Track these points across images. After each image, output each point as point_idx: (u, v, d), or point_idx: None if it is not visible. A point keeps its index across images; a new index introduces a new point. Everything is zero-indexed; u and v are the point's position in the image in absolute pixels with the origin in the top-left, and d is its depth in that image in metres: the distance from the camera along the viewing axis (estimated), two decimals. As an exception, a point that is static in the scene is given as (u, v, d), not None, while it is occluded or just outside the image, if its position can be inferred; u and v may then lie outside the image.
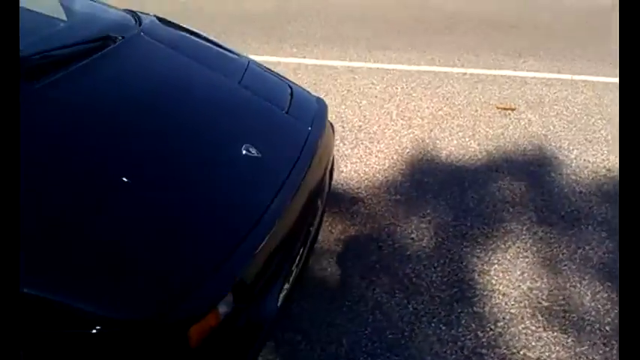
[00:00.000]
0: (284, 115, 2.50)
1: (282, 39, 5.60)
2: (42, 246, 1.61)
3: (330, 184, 2.70)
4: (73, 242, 1.63)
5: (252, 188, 2.08)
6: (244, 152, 2.15)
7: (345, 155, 3.51)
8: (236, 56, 2.87)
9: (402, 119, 3.97)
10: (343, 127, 3.84)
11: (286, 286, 2.12)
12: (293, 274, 2.19)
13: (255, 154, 2.17)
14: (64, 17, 2.75)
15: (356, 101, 4.24)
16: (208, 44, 2.89)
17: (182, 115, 2.25)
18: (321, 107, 2.70)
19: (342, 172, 3.33)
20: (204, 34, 2.98)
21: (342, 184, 3.20)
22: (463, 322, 2.31)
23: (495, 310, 2.37)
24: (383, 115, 4.03)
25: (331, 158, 2.67)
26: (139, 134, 2.06)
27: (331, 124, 2.83)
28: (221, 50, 2.87)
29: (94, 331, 1.50)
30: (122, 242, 1.68)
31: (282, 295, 2.07)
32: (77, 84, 2.15)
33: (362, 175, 3.30)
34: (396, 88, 4.47)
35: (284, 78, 2.88)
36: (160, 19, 2.93)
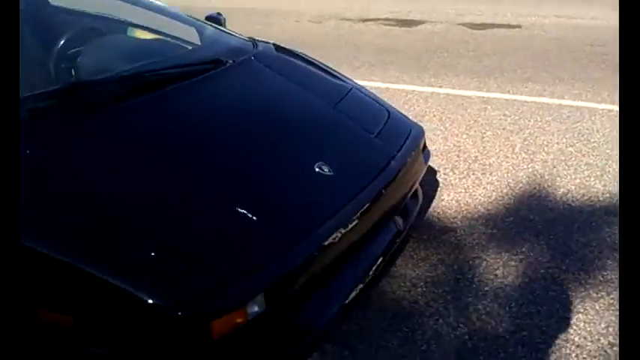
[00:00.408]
0: (371, 138, 2.57)
1: (425, 68, 5.61)
2: (104, 234, 1.85)
3: (417, 210, 2.68)
4: (133, 232, 1.85)
5: (313, 203, 2.17)
6: (317, 169, 2.25)
7: (451, 184, 3.43)
8: (341, 82, 3.00)
9: (524, 153, 3.77)
10: (458, 157, 3.75)
11: (345, 301, 2.14)
12: (354, 292, 2.20)
13: (327, 172, 2.27)
14: (198, 42, 3.13)
15: (480, 132, 4.11)
16: (315, 70, 3.05)
17: (266, 132, 2.43)
18: (415, 134, 2.72)
19: (443, 200, 3.26)
20: (317, 62, 3.14)
21: (438, 213, 3.14)
22: (522, 367, 2.14)
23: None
24: (505, 148, 3.86)
25: (416, 184, 2.65)
26: (223, 144, 2.28)
27: (428, 151, 2.82)
28: (326, 76, 3.03)
29: (131, 311, 1.68)
30: (175, 237, 1.86)
31: (335, 309, 2.10)
32: (178, 100, 2.43)
33: (463, 205, 3.20)
34: (529, 121, 4.25)
35: (385, 104, 2.96)
36: (277, 47, 3.16)
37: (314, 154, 2.32)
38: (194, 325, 1.69)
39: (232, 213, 1.98)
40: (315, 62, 3.15)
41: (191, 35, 3.09)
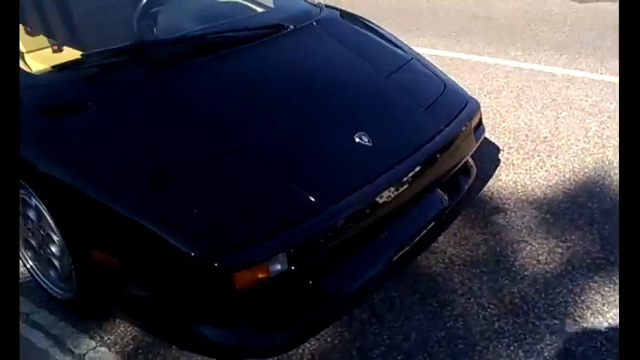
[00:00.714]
0: (420, 111, 2.59)
1: (514, 41, 5.41)
2: (154, 184, 2.06)
3: (468, 186, 2.70)
4: (179, 185, 2.05)
5: (348, 171, 2.26)
6: (357, 139, 2.33)
7: (513, 164, 3.37)
8: (401, 52, 3.00)
9: (598, 137, 3.62)
10: (526, 136, 3.66)
11: (376, 271, 2.24)
12: (387, 263, 2.29)
13: (366, 143, 2.34)
14: (272, 5, 3.26)
15: (556, 111, 3.97)
16: (377, 39, 3.06)
17: (312, 98, 2.53)
18: (470, 109, 2.71)
19: (500, 179, 3.22)
20: (382, 30, 3.16)
21: (492, 192, 3.11)
22: (546, 354, 2.15)
23: (589, 352, 2.15)
24: (578, 130, 3.71)
25: (464, 160, 2.66)
26: (270, 107, 2.41)
27: (483, 127, 2.80)
28: (387, 46, 3.03)
29: (167, 258, 1.89)
30: (215, 193, 2.04)
31: (366, 278, 2.21)
32: (234, 63, 2.59)
33: (520, 186, 3.15)
34: (610, 104, 4.04)
35: (442, 76, 2.94)
36: (343, 13, 3.20)
37: (356, 124, 2.39)
38: (218, 275, 1.87)
39: (268, 174, 2.13)
40: (380, 31, 3.16)
41: None
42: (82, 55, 2.45)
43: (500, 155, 3.43)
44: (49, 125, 2.24)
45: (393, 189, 2.25)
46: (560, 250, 2.66)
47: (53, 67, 2.40)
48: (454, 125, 2.56)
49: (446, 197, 2.54)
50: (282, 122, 2.36)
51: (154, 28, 3.06)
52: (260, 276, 1.92)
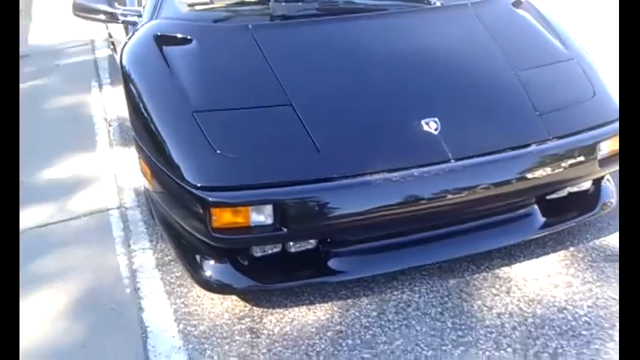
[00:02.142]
0: (531, 114, 2.32)
1: None
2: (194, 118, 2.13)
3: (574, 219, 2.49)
4: (213, 122, 2.13)
5: (388, 152, 2.12)
6: (423, 123, 2.18)
7: None
8: (563, 50, 2.63)
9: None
10: None
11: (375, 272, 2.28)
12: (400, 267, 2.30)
13: (431, 130, 2.18)
14: None
15: None
16: (540, 32, 2.71)
17: (409, 74, 2.40)
18: (607, 130, 2.34)
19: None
20: (558, 26, 2.79)
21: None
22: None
23: None
24: None
25: (568, 185, 2.40)
26: (360, 72, 2.38)
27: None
28: (549, 40, 2.67)
29: (177, 182, 2.03)
30: (241, 136, 2.11)
31: (363, 273, 2.25)
32: (347, 26, 2.60)
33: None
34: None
35: (600, 87, 2.53)
36: (521, 2, 2.87)
37: (434, 109, 2.24)
38: (201, 206, 1.95)
39: (300, 129, 2.11)
40: (553, 25, 2.76)
41: None
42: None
43: None
44: (159, 51, 2.37)
45: (437, 186, 2.08)
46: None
47: (189, 5, 2.63)
48: (568, 140, 2.27)
49: (540, 220, 2.39)
50: (361, 88, 2.30)
51: None
52: (240, 220, 1.95)
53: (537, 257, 2.48)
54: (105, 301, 2.31)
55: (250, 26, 2.42)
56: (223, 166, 2.00)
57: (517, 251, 2.51)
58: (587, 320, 2.16)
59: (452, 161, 2.11)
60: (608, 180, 2.62)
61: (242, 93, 2.23)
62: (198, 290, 2.30)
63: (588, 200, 2.53)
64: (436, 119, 2.19)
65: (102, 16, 2.82)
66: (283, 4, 2.58)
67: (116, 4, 2.83)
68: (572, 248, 2.54)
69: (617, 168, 2.49)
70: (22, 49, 5.33)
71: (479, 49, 2.53)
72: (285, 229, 1.97)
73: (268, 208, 1.95)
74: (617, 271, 2.39)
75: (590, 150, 2.29)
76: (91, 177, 3.20)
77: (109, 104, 4.17)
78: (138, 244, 2.64)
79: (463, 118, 2.25)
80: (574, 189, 2.48)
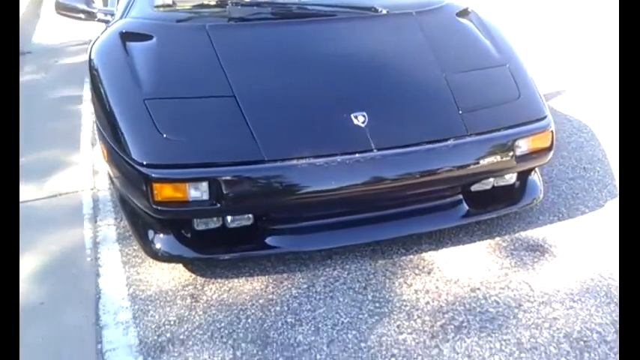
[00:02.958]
0: (454, 112, 2.53)
1: None
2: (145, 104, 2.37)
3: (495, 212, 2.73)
4: (162, 108, 2.38)
5: (317, 140, 2.37)
6: (352, 116, 2.42)
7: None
8: (497, 56, 2.83)
9: None
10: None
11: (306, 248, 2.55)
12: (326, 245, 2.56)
13: (359, 123, 2.41)
14: None
15: None
16: (476, 39, 2.91)
17: (346, 75, 2.64)
18: (529, 128, 2.56)
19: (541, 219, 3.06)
20: (497, 33, 2.98)
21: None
22: None
23: None
24: None
25: (484, 178, 2.64)
26: (297, 70, 2.64)
27: (545, 154, 2.67)
28: (483, 47, 2.87)
29: (124, 158, 2.31)
30: (184, 119, 2.37)
31: (292, 247, 2.51)
32: (292, 29, 2.84)
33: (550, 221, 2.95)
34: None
35: (529, 89, 2.74)
36: (465, 12, 3.07)
37: (364, 104, 2.46)
38: (145, 181, 2.21)
39: (237, 115, 2.36)
40: (493, 33, 2.96)
41: None
42: (173, 0, 2.90)
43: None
44: (123, 46, 2.63)
45: (359, 172, 2.32)
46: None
47: (155, 6, 2.89)
48: (487, 137, 2.49)
49: (464, 209, 2.63)
50: (301, 84, 2.55)
51: None
52: (179, 195, 2.21)
53: (464, 244, 2.71)
54: (68, 267, 2.57)
55: (207, 26, 2.68)
56: (166, 147, 2.26)
57: (445, 238, 2.73)
58: (496, 300, 2.38)
59: (374, 151, 2.34)
60: (536, 176, 2.84)
61: (191, 84, 2.48)
62: (151, 261, 2.55)
63: (513, 194, 2.76)
64: (364, 113, 2.42)
65: (81, 15, 3.10)
66: (239, 7, 2.83)
67: (93, 4, 3.11)
68: (497, 238, 2.76)
69: (539, 164, 2.72)
70: (26, 47, 5.68)
71: (415, 53, 2.77)
72: (219, 204, 2.22)
73: (204, 185, 2.20)
74: (535, 259, 2.61)
75: (506, 146, 2.51)
76: (71, 162, 3.47)
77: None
78: (104, 220, 2.90)
79: (390, 114, 2.49)
80: (500, 183, 2.71)
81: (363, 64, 2.68)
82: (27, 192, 3.13)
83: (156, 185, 2.20)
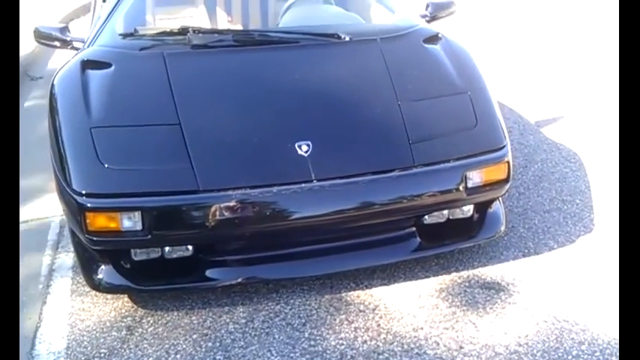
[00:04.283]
0: (403, 143, 2.46)
1: None
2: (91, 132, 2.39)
3: (449, 247, 2.69)
4: (105, 136, 2.39)
5: (258, 169, 2.35)
6: (296, 146, 2.38)
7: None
8: (459, 84, 2.74)
9: None
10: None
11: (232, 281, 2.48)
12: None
13: (302, 153, 2.37)
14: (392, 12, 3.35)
15: None
16: (439, 67, 2.82)
17: (299, 102, 2.61)
18: (483, 158, 2.48)
19: (505, 255, 3.00)
20: (464, 61, 2.90)
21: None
22: None
23: None
24: None
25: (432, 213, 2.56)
26: (249, 97, 2.61)
27: (501, 186, 2.57)
28: (447, 75, 2.78)
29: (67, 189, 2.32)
30: (124, 148, 2.39)
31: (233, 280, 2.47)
32: (248, 56, 2.84)
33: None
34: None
35: (489, 119, 2.64)
36: (435, 38, 3.00)
37: (310, 134, 2.42)
38: (79, 210, 2.23)
39: (177, 143, 2.35)
40: (461, 60, 2.87)
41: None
42: (135, 29, 2.90)
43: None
44: (81, 75, 2.65)
45: (297, 203, 2.29)
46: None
47: (120, 34, 2.90)
48: (432, 169, 2.41)
49: (415, 243, 2.56)
50: (250, 112, 2.52)
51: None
52: (112, 225, 2.21)
53: (417, 280, 2.61)
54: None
55: (164, 53, 2.68)
56: (103, 177, 2.27)
57: (400, 272, 2.65)
58: (436, 340, 2.28)
59: (314, 181, 2.29)
60: (497, 208, 2.72)
61: (140, 112, 2.49)
62: (96, 291, 2.56)
63: (471, 227, 2.65)
64: (309, 142, 2.38)
65: (56, 43, 3.17)
66: (200, 35, 2.83)
67: (68, 33, 3.18)
68: (454, 274, 2.65)
69: (494, 197, 2.61)
70: (38, 72, 5.87)
71: (373, 81, 2.71)
72: (150, 235, 2.21)
73: (137, 215, 2.20)
74: (488, 298, 2.49)
75: (456, 178, 2.42)
76: (48, 189, 3.54)
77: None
78: (65, 247, 2.92)
79: (336, 144, 2.44)
80: (456, 215, 2.61)
81: (317, 93, 2.65)
82: (-1, 217, 3.20)
83: (89, 215, 2.21)
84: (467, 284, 2.58)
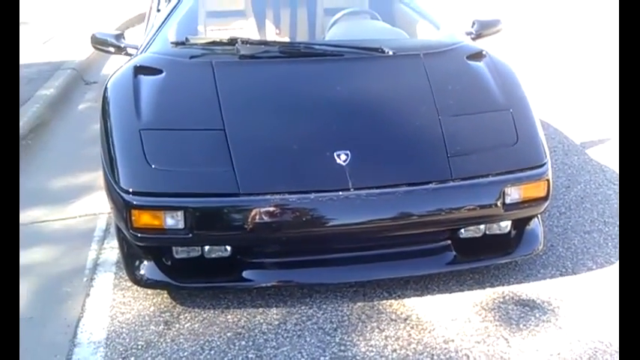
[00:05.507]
0: (442, 156, 2.47)
1: None
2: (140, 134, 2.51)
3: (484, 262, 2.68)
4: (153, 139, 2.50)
5: (298, 176, 2.42)
6: (335, 155, 2.44)
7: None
8: (501, 101, 2.74)
9: None
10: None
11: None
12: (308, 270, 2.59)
13: (340, 162, 2.42)
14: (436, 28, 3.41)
15: None
16: (481, 83, 2.83)
17: (337, 113, 2.67)
18: (522, 175, 2.47)
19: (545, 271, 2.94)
20: (506, 79, 2.89)
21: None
22: None
23: None
24: None
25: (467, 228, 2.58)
26: (293, 107, 2.71)
27: (540, 204, 2.56)
28: (488, 91, 2.79)
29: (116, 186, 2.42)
30: (171, 151, 2.48)
31: (271, 282, 2.55)
32: (295, 67, 2.94)
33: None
34: None
35: (529, 136, 2.63)
36: (479, 55, 3.01)
37: (349, 143, 2.47)
38: (125, 207, 2.33)
39: (220, 147, 2.43)
40: (503, 78, 2.86)
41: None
42: (187, 38, 3.03)
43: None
44: (133, 80, 2.77)
45: (334, 210, 2.33)
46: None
47: (171, 42, 3.05)
48: (471, 182, 2.42)
49: (450, 256, 2.56)
50: (292, 121, 2.61)
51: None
52: (156, 223, 2.31)
53: (451, 293, 2.61)
54: (64, 285, 2.72)
55: (213, 62, 2.79)
56: (150, 176, 2.37)
57: (433, 284, 2.65)
58: (467, 353, 2.28)
59: (351, 190, 2.34)
60: (535, 226, 2.70)
61: (186, 117, 2.60)
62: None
63: (508, 243, 2.64)
64: (348, 152, 2.43)
65: (111, 49, 3.33)
66: (248, 45, 2.93)
67: (122, 40, 3.33)
68: (489, 289, 2.64)
69: (532, 214, 2.60)
70: (93, 77, 6.12)
71: (414, 95, 2.75)
72: (191, 234, 2.29)
73: (180, 214, 2.28)
74: (521, 315, 2.48)
75: (494, 193, 2.42)
76: (99, 187, 3.68)
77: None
78: (110, 243, 3.04)
79: (374, 154, 2.48)
80: (494, 231, 2.60)
81: (358, 104, 2.70)
82: (49, 212, 3.35)
83: (134, 212, 2.31)
84: (501, 300, 2.57)
